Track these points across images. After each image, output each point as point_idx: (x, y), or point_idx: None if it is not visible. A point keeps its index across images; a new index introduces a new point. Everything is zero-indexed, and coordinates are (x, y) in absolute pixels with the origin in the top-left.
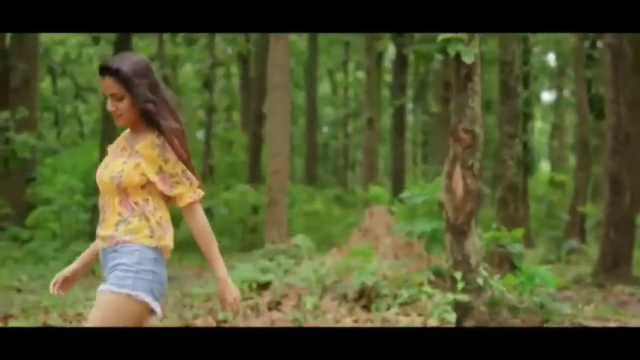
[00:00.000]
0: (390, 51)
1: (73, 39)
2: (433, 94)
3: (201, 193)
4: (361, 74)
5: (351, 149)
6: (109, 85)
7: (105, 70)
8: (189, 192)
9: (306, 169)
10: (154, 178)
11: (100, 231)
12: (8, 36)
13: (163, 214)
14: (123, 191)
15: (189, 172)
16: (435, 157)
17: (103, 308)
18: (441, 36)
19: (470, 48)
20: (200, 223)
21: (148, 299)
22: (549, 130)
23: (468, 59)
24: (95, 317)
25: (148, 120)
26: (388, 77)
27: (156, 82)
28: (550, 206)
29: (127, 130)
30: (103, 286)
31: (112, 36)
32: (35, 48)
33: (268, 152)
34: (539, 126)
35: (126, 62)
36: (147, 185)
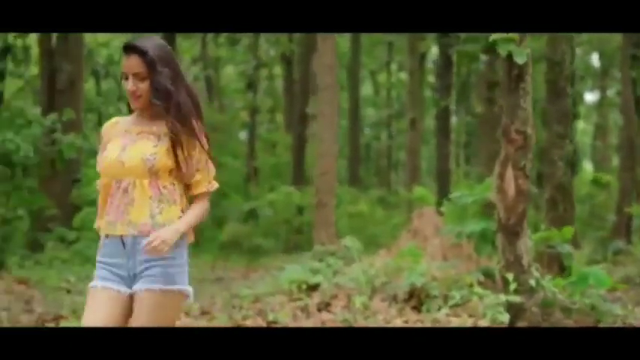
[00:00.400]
0: (433, 52)
1: (117, 40)
2: (476, 95)
3: (215, 185)
4: (404, 75)
5: (394, 150)
6: (135, 64)
7: (132, 49)
8: (205, 181)
9: (349, 171)
10: (182, 162)
11: (125, 216)
12: (54, 37)
13: (186, 202)
14: (154, 174)
15: (210, 162)
16: (477, 158)
17: (158, 307)
18: (493, 36)
19: (522, 48)
20: (204, 211)
21: (190, 290)
22: (592, 131)
23: (520, 59)
24: (150, 316)
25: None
26: (430, 78)
27: (178, 70)
28: (593, 207)
29: (131, 116)
30: (151, 285)
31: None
32: (80, 49)
33: (316, 153)
34: (582, 126)
35: (153, 45)
36: (173, 170)
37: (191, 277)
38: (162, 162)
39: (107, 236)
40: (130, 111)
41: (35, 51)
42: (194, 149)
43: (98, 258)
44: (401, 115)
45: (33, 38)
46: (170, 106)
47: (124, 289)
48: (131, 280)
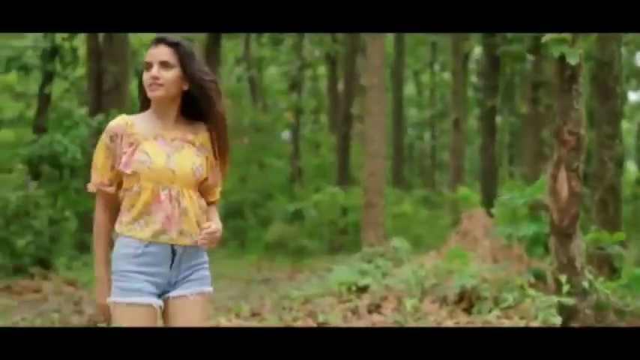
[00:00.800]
0: (476, 52)
1: None
2: (520, 95)
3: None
4: (446, 75)
5: (437, 150)
6: (164, 52)
7: (163, 40)
8: (219, 189)
9: (393, 171)
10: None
11: (181, 225)
12: (101, 37)
13: None
14: (196, 184)
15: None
16: (521, 159)
17: (206, 308)
18: (545, 36)
19: (574, 49)
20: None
21: None
22: (635, 131)
23: (572, 60)
24: (202, 317)
25: (200, 98)
26: (472, 78)
27: (204, 65)
28: (638, 207)
29: (149, 118)
30: (202, 288)
31: (201, 38)
32: (125, 50)
33: (364, 154)
34: (625, 126)
35: (185, 41)
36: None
37: (238, 277)
38: (205, 173)
39: (148, 244)
40: (142, 109)
41: (82, 52)
42: (216, 159)
43: (132, 267)
44: (444, 115)
45: (81, 39)
46: (212, 92)
47: (160, 302)
48: (169, 287)
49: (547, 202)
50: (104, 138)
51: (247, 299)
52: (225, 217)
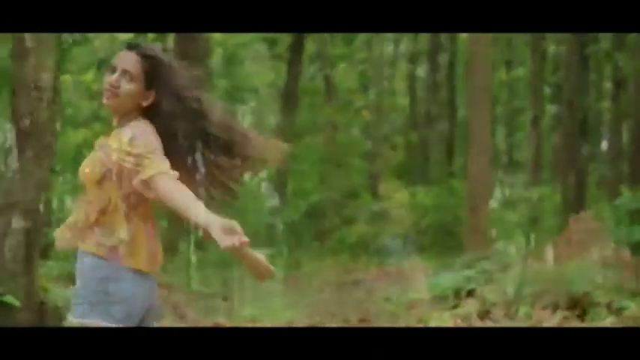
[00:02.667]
0: (551, 49)
1: (231, 41)
2: (596, 92)
3: None
4: (522, 72)
5: (514, 148)
6: (131, 61)
7: (134, 47)
8: None
9: None
10: None
11: None
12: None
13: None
14: None
15: None
16: (595, 157)
17: None
18: None
19: None
20: None
21: None
22: None
23: None
24: None
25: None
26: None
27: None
28: None
29: None
30: None
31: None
32: (207, 50)
33: (469, 156)
34: None
35: (160, 53)
36: None
37: (328, 280)
38: None
39: None
40: None
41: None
42: None
43: None
44: (519, 112)
45: (171, 41)
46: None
47: None
48: None
49: None
50: None
51: (346, 303)
52: (305, 217)
